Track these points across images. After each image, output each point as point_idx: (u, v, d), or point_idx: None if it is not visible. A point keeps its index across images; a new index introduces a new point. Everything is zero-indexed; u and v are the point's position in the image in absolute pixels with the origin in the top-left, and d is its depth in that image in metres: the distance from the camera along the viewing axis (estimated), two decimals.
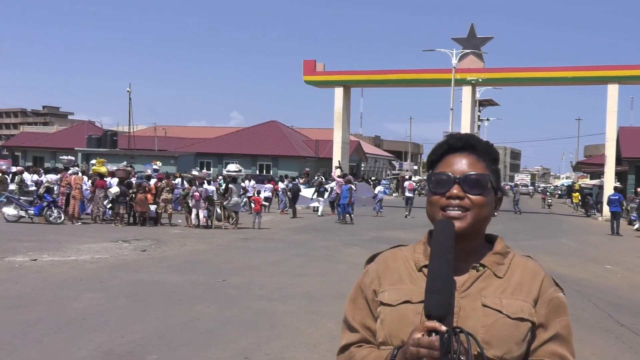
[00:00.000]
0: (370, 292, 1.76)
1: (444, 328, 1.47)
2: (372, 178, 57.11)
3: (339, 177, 29.36)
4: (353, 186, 29.71)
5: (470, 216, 1.66)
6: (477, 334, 1.58)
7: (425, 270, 1.66)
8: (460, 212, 1.65)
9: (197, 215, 21.20)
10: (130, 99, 50.06)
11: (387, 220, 27.38)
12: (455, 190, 1.66)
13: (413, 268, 1.73)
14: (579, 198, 43.66)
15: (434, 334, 1.47)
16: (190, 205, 21.32)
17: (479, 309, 1.63)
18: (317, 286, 10.63)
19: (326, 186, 30.31)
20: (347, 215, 25.43)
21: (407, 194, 32.39)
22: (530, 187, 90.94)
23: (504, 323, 1.62)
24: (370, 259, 1.86)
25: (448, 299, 1.52)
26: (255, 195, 25.11)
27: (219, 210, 21.40)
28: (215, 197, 21.40)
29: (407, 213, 30.52)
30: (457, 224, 1.64)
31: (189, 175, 25.70)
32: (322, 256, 14.55)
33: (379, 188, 31.46)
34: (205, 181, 22.22)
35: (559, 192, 74.99)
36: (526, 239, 20.41)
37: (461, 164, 1.70)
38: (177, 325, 7.69)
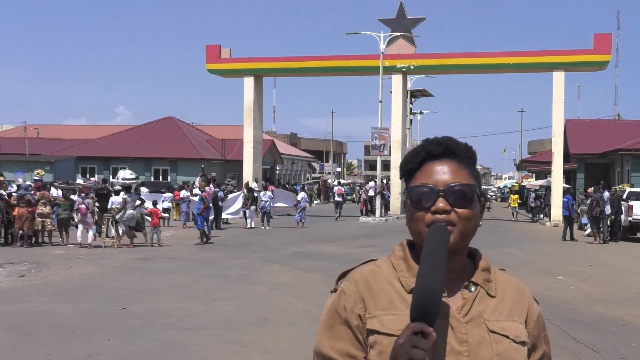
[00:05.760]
0: (354, 317, 1.80)
1: (431, 330, 1.57)
2: (301, 183, 57.32)
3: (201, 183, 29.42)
4: (270, 193, 30.43)
5: (458, 231, 1.77)
6: None
7: None
8: (448, 227, 1.76)
9: (86, 232, 20.85)
10: None
11: (310, 232, 27.69)
12: (440, 203, 1.77)
13: (402, 290, 1.81)
14: (518, 201, 44.97)
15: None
16: (76, 220, 20.98)
17: (487, 335, 1.77)
18: (234, 312, 10.75)
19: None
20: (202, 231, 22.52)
21: (337, 198, 38.10)
22: None
23: (513, 349, 1.78)
24: (342, 276, 1.90)
25: (438, 301, 1.60)
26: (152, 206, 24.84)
27: (112, 229, 21.16)
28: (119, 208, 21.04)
29: (337, 215, 36.29)
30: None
31: (62, 185, 25.39)
32: (237, 276, 14.65)
33: (301, 194, 31.82)
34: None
35: (502, 195, 77.45)
36: None
37: (443, 174, 1.82)
38: None
